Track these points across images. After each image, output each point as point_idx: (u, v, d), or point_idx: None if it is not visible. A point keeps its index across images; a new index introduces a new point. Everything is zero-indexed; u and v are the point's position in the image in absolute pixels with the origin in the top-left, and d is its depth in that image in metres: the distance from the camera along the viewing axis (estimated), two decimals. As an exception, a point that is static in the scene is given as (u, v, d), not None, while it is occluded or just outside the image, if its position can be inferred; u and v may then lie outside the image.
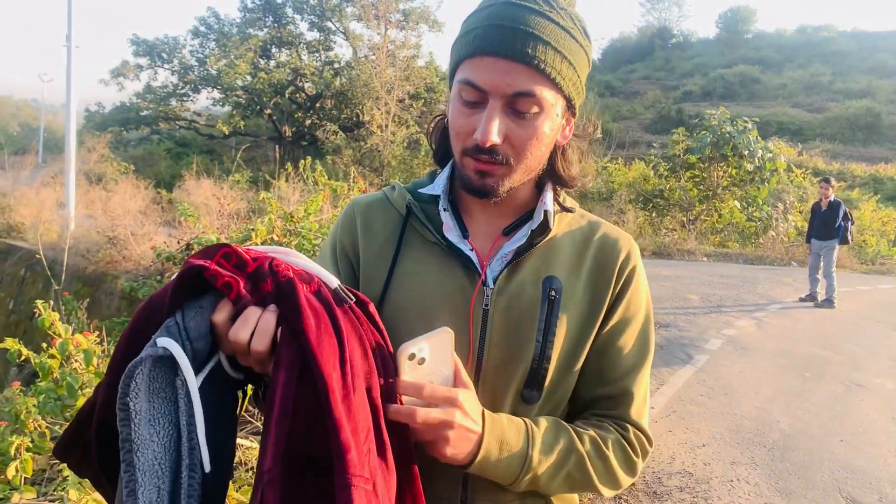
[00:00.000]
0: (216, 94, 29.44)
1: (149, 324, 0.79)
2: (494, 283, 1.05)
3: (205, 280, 0.78)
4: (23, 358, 2.74)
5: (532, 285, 1.06)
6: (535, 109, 0.97)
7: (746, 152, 15.74)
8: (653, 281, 9.94)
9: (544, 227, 1.08)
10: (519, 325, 1.04)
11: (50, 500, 2.78)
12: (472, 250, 1.07)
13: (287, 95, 28.86)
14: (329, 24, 30.47)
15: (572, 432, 1.04)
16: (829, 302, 9.50)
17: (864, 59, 44.99)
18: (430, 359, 0.90)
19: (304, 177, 9.98)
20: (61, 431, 3.19)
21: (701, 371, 6.15)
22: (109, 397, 0.78)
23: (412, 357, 0.88)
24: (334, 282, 0.86)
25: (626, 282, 1.11)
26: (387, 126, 19.75)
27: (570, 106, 1.04)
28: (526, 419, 1.01)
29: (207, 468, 0.78)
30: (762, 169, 16.03)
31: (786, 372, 6.34)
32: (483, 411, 0.96)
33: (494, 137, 0.96)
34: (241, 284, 0.79)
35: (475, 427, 0.93)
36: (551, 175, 1.10)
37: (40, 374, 2.70)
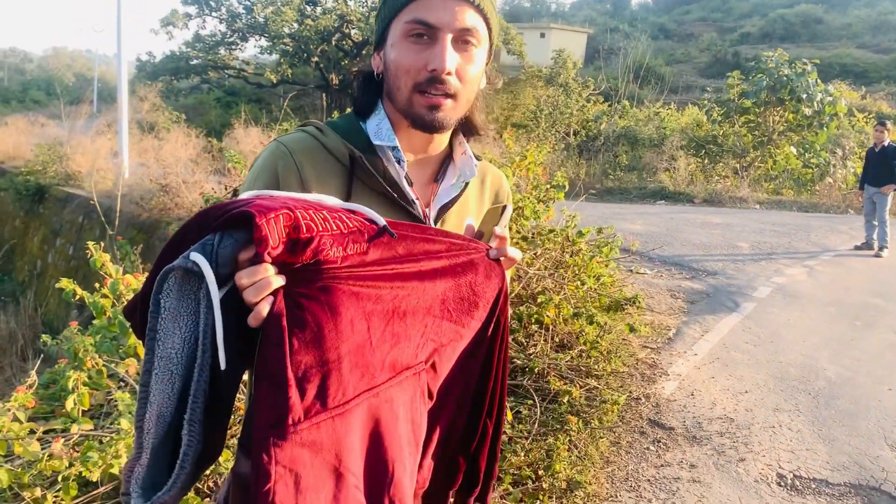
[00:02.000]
0: (263, 43, 29.42)
1: (202, 225, 0.88)
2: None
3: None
4: (77, 297, 2.86)
5: (456, 229, 1.21)
6: (474, 43, 1.12)
7: (804, 96, 15.15)
8: (702, 228, 9.82)
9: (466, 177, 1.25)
10: None
11: (107, 431, 2.93)
12: (416, 199, 1.18)
13: (334, 42, 28.69)
14: (375, -32, 30.07)
15: None
16: (880, 250, 9.24)
17: (936, -5, 42.54)
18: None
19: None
20: (117, 369, 3.34)
21: (747, 319, 6.07)
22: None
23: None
24: (381, 220, 0.97)
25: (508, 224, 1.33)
26: (434, 71, 19.55)
27: (490, 50, 1.18)
28: None
29: (223, 365, 0.86)
30: (821, 113, 15.43)
31: (836, 320, 6.22)
32: None
33: (450, 66, 1.08)
34: (272, 246, 0.85)
35: None
36: (465, 123, 1.24)
37: (94, 313, 2.81)
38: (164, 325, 0.87)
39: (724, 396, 4.48)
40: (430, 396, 1.13)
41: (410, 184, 1.18)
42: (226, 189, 6.13)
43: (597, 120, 18.94)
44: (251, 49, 30.87)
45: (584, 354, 4.45)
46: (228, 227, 0.87)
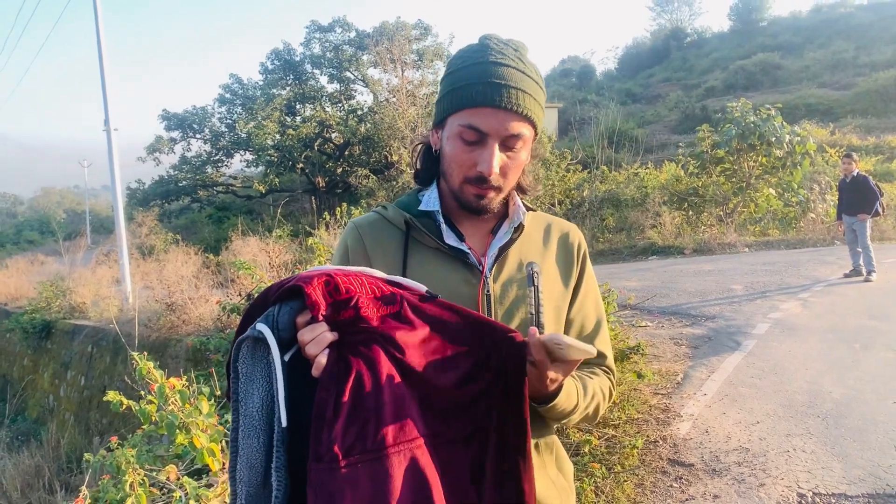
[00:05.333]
0: (249, 156, 30.36)
1: (264, 303, 1.12)
2: (490, 273, 1.36)
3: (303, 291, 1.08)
4: (124, 407, 3.09)
5: (517, 271, 1.38)
6: (520, 145, 1.30)
7: (773, 139, 15.72)
8: (695, 277, 10.09)
9: (519, 225, 1.40)
10: (515, 304, 1.35)
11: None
12: (470, 249, 1.36)
13: (316, 148, 29.62)
14: (348, 74, 31.30)
15: (592, 382, 1.40)
16: (868, 274, 9.53)
17: (885, 29, 44.10)
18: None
19: (343, 223, 10.40)
20: (158, 477, 3.53)
21: (750, 355, 6.28)
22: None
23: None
24: (422, 287, 1.17)
25: (583, 263, 1.47)
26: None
27: (535, 135, 1.36)
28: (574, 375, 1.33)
29: (284, 423, 1.04)
30: (792, 153, 15.98)
31: (835, 346, 6.44)
32: None
33: (496, 169, 1.28)
34: (323, 307, 1.07)
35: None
36: (516, 186, 1.42)
37: (142, 419, 3.03)
38: (244, 388, 1.09)
39: (738, 429, 4.66)
40: (479, 469, 1.15)
41: (462, 238, 1.37)
42: (239, 295, 6.42)
43: (578, 188, 19.47)
44: (237, 164, 31.73)
45: (598, 407, 4.65)
46: (284, 299, 1.10)
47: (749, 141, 15.95)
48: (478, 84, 1.27)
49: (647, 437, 4.55)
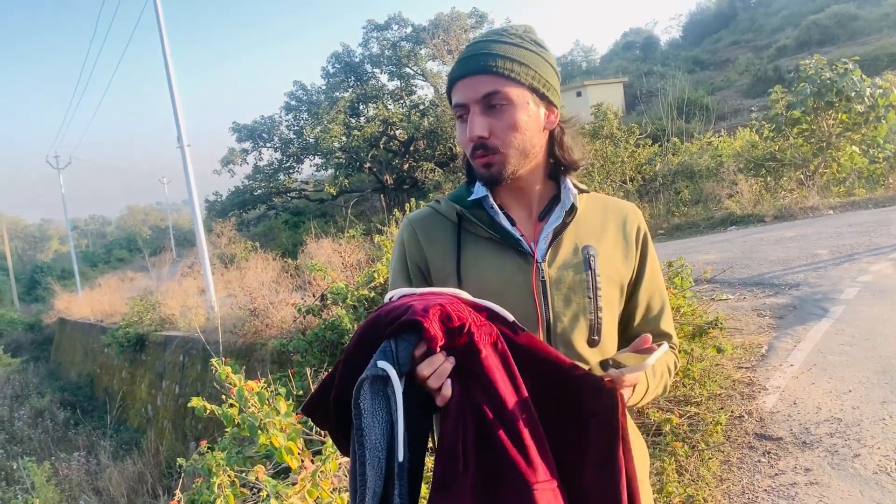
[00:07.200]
0: (318, 160, 31.01)
1: (374, 334, 1.12)
2: (544, 258, 1.34)
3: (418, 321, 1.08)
4: (207, 412, 3.21)
5: (573, 255, 1.36)
6: (504, 103, 1.28)
7: (853, 94, 14.97)
8: (777, 244, 9.70)
9: (572, 208, 1.38)
10: (572, 289, 1.34)
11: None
12: (521, 236, 1.36)
13: (382, 146, 29.92)
14: (407, 69, 31.50)
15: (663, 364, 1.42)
16: None
17: (970, -34, 41.46)
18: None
19: (412, 217, 10.49)
20: (248, 477, 3.65)
21: (839, 321, 6.02)
22: (344, 379, 1.13)
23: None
24: (510, 316, 1.18)
25: (644, 244, 1.44)
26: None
27: (543, 97, 1.33)
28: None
29: (400, 458, 1.07)
30: (875, 107, 15.19)
31: (932, 306, 6.11)
32: None
33: (478, 131, 1.28)
34: (441, 340, 1.07)
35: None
36: (558, 163, 1.40)
37: (225, 422, 3.14)
38: (367, 422, 1.08)
39: (828, 399, 4.48)
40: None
41: (513, 223, 1.36)
42: (313, 296, 6.60)
43: (650, 162, 19.03)
44: (307, 169, 32.43)
45: (678, 384, 4.55)
46: (399, 332, 1.09)
47: (826, 98, 15.23)
48: (452, 71, 1.34)
49: (732, 412, 4.42)
